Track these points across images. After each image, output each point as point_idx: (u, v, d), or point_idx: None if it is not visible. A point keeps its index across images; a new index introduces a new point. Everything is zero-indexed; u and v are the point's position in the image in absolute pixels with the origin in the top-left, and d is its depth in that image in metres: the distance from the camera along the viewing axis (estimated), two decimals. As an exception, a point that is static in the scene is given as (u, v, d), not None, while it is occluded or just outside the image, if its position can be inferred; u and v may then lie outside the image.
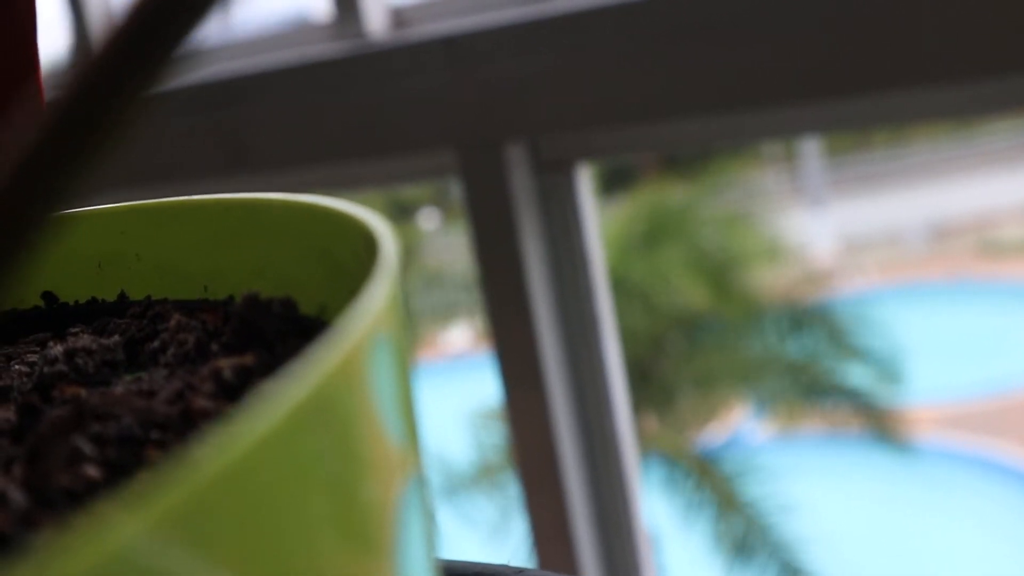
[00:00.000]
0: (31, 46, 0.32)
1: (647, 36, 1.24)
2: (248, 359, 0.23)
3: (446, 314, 4.47)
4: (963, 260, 5.99)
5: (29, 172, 0.16)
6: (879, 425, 3.75)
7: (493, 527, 3.74)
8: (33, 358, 0.27)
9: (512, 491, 3.62)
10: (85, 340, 0.27)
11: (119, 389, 0.24)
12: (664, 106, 1.27)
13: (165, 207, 0.31)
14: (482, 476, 3.83)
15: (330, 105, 1.46)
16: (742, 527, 3.47)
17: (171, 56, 0.16)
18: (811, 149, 6.12)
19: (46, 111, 0.16)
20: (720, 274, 3.89)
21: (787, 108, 1.24)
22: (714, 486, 3.53)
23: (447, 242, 5.20)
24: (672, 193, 4.18)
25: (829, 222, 6.17)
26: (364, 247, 0.23)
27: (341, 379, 0.17)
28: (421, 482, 0.21)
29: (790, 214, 5.86)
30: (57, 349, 0.26)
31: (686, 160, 4.47)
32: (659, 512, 3.50)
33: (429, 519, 0.21)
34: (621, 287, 3.47)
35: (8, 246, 0.16)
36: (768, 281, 4.15)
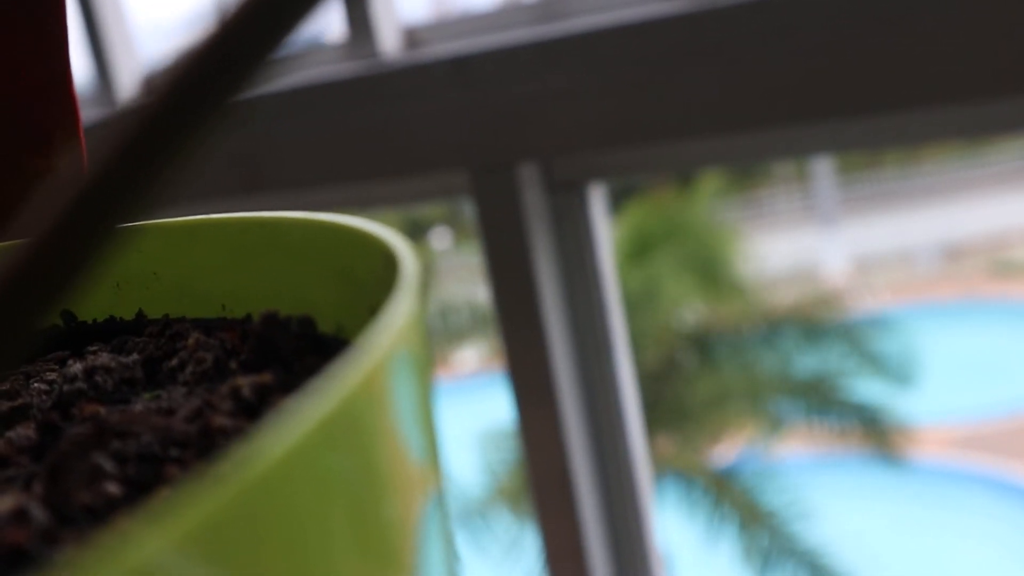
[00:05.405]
0: (63, 62, 0.32)
1: (659, 56, 1.24)
2: (266, 377, 0.23)
3: (458, 333, 4.47)
4: (975, 280, 5.98)
5: (99, 190, 0.16)
6: (890, 444, 3.74)
7: (505, 547, 3.72)
8: (52, 376, 0.27)
9: (524, 510, 3.61)
10: (104, 358, 0.27)
11: (138, 407, 0.24)
12: (677, 126, 1.27)
13: (183, 226, 0.31)
14: (494, 495, 3.82)
15: (342, 125, 1.46)
16: (767, 537, 3.45)
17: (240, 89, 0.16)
18: (823, 168, 6.12)
19: (123, 126, 0.16)
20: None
21: (799, 128, 1.24)
22: (734, 500, 3.52)
23: (459, 261, 5.21)
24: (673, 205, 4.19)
25: (841, 241, 6.16)
26: (383, 265, 0.23)
27: (364, 396, 0.17)
28: (441, 500, 0.21)
29: (802, 233, 5.85)
30: (76, 367, 0.26)
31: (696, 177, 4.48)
32: (680, 532, 3.48)
33: (449, 537, 0.21)
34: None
35: (79, 259, 0.16)
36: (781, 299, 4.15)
